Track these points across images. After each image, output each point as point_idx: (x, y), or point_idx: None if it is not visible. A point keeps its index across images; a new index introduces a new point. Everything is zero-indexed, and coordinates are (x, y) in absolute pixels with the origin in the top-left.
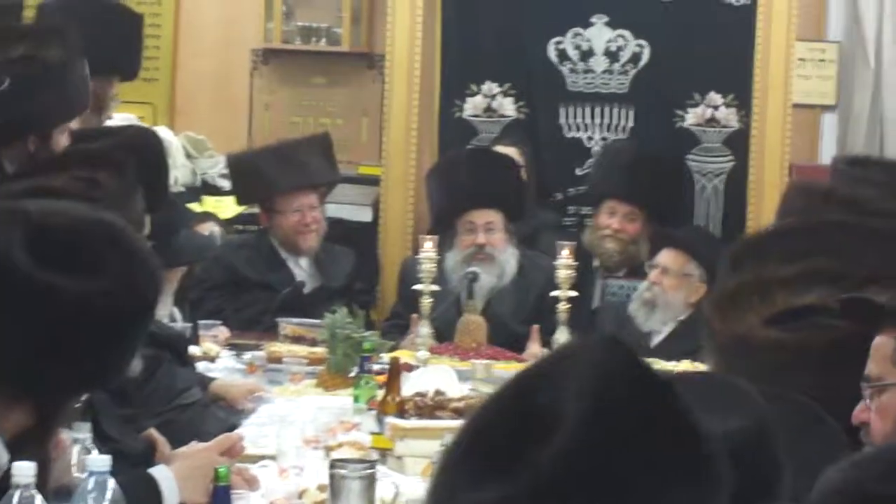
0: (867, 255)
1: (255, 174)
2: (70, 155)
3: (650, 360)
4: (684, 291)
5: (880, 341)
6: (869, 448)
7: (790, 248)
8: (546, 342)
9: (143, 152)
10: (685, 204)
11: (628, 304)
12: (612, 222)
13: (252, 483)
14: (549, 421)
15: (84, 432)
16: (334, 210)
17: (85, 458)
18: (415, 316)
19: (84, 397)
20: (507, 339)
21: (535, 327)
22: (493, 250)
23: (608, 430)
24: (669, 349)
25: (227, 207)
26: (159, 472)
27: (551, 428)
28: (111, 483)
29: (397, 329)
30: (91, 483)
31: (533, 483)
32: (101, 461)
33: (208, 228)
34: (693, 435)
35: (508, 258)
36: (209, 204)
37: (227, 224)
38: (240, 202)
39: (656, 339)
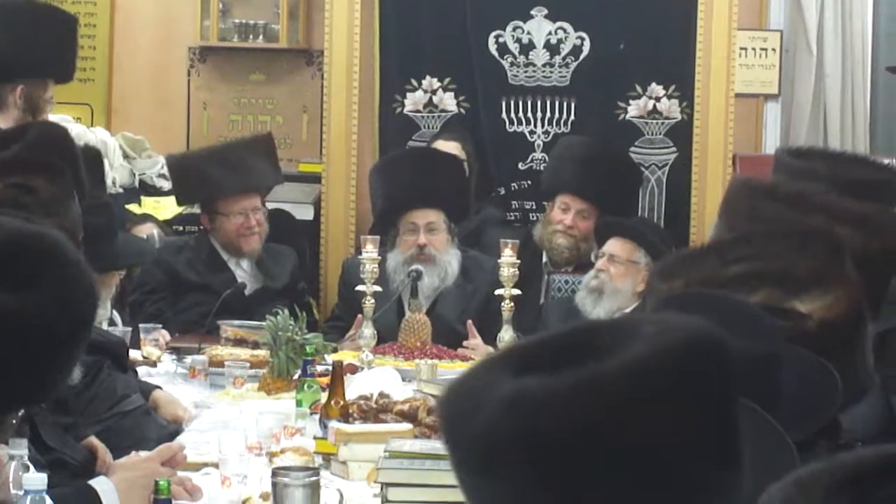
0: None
1: (197, 177)
2: (5, 162)
3: None
4: (632, 279)
5: None
6: (817, 463)
7: (732, 251)
8: (492, 341)
9: (56, 145)
10: (637, 197)
11: (575, 297)
12: (565, 218)
13: (194, 493)
14: (602, 351)
15: (21, 448)
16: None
17: (21, 475)
18: (360, 317)
19: (20, 413)
20: (451, 342)
21: (470, 322)
22: (433, 251)
23: (657, 378)
24: None
25: (166, 208)
26: (100, 485)
27: (602, 354)
28: (48, 502)
29: (337, 330)
30: (27, 502)
31: (578, 382)
32: (37, 479)
33: (147, 230)
34: (732, 433)
35: (450, 259)
36: (148, 205)
37: (166, 224)
38: (180, 203)
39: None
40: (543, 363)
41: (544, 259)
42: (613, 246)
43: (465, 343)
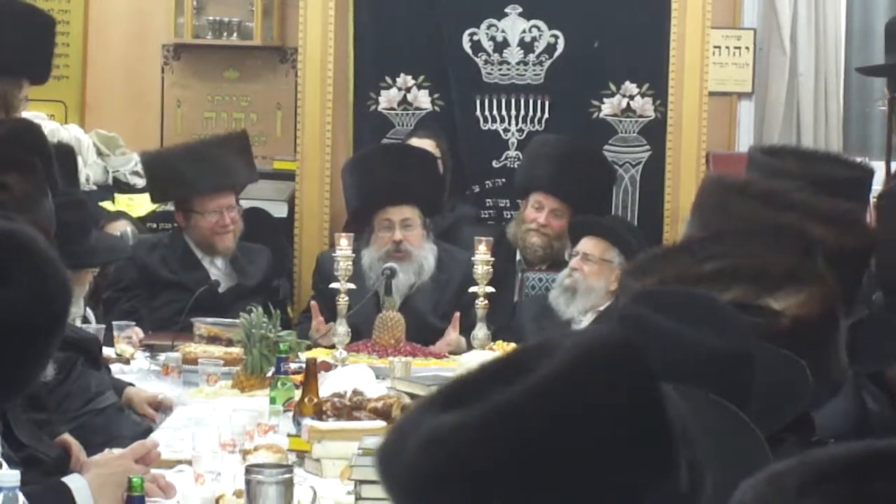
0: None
1: (172, 174)
2: None
3: None
4: (605, 278)
5: None
6: (789, 460)
7: (705, 249)
8: (466, 337)
9: (29, 142)
10: (610, 195)
11: (549, 296)
12: (539, 217)
13: (167, 490)
14: (521, 370)
15: None
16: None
17: None
18: (314, 303)
19: None
20: (426, 335)
21: (457, 315)
22: (409, 247)
23: (570, 391)
24: None
25: (140, 205)
26: (73, 482)
27: (519, 375)
28: (21, 499)
29: (309, 322)
30: (0, 499)
31: (484, 414)
32: (10, 476)
33: (121, 227)
34: (665, 430)
35: (426, 254)
36: (122, 202)
37: (139, 222)
38: (154, 201)
39: (577, 328)
40: (463, 398)
41: (518, 257)
42: (587, 244)
43: (444, 337)
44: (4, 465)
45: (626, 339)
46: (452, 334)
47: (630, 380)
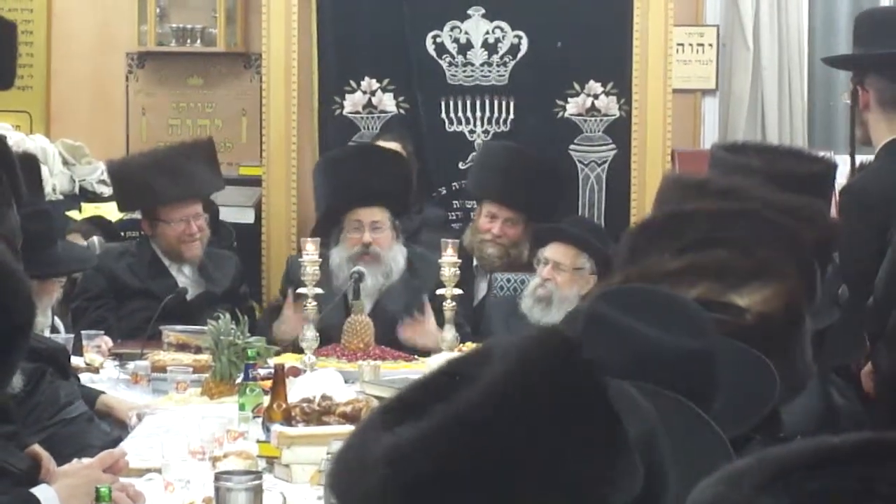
0: (755, 242)
1: (138, 184)
2: None
3: None
4: (578, 286)
5: None
6: (747, 458)
7: (678, 238)
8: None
9: None
10: (567, 199)
11: (517, 299)
12: (493, 227)
13: (137, 499)
14: (463, 382)
15: None
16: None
17: None
18: (289, 299)
19: None
20: (397, 339)
21: (426, 299)
22: (378, 250)
23: (515, 393)
24: None
25: (107, 214)
26: (41, 492)
27: (463, 386)
28: None
29: (276, 311)
30: None
31: (430, 426)
32: None
33: (90, 234)
34: (610, 420)
35: (395, 256)
36: (89, 210)
37: (111, 228)
38: (121, 210)
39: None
40: (414, 410)
41: (475, 263)
42: (556, 252)
43: (415, 317)
44: None
45: (562, 338)
46: (430, 319)
47: (569, 377)
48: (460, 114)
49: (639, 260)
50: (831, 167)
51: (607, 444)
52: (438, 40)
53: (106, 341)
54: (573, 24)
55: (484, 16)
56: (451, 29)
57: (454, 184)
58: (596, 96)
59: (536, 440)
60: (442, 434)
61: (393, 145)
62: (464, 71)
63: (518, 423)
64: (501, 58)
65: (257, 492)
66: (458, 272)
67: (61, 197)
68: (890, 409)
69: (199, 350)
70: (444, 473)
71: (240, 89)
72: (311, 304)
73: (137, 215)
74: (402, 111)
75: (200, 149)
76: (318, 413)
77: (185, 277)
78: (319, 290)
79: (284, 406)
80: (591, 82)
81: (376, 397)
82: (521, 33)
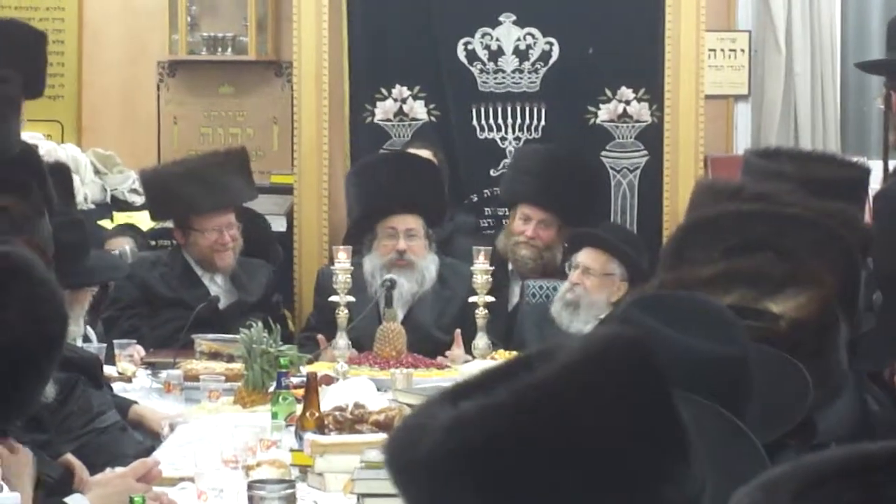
0: (792, 247)
1: (171, 194)
2: None
3: None
4: (607, 291)
5: None
6: (783, 465)
7: (713, 244)
8: (467, 348)
9: (24, 163)
10: (600, 203)
11: (549, 305)
12: (527, 229)
13: None
14: (528, 370)
15: None
16: None
17: None
18: (321, 337)
19: None
20: (428, 348)
21: (458, 331)
22: (412, 257)
23: (578, 380)
24: None
25: (139, 223)
26: (75, 502)
27: (528, 373)
28: None
29: (313, 341)
30: None
31: (511, 395)
32: (11, 498)
33: (120, 244)
34: (674, 415)
35: (428, 265)
36: (120, 220)
37: (142, 237)
38: (154, 219)
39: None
40: (479, 389)
41: (510, 267)
42: (587, 258)
43: (447, 353)
44: (5, 487)
45: (638, 335)
46: (457, 350)
47: (643, 369)
48: (491, 121)
49: (685, 260)
50: (865, 172)
51: (671, 441)
52: (469, 47)
53: (138, 350)
54: (604, 31)
55: (515, 22)
56: (482, 36)
57: (486, 191)
58: (628, 102)
59: (594, 426)
60: (509, 406)
61: (424, 153)
62: (495, 78)
63: (583, 406)
64: (533, 64)
65: (291, 500)
66: (491, 279)
67: (93, 206)
68: None
69: (231, 359)
70: (503, 444)
71: (271, 98)
72: (343, 313)
73: (169, 224)
74: (433, 119)
75: (233, 158)
76: (351, 421)
77: (217, 286)
78: (351, 298)
79: (317, 414)
80: (623, 88)
81: (409, 405)
82: (552, 40)
